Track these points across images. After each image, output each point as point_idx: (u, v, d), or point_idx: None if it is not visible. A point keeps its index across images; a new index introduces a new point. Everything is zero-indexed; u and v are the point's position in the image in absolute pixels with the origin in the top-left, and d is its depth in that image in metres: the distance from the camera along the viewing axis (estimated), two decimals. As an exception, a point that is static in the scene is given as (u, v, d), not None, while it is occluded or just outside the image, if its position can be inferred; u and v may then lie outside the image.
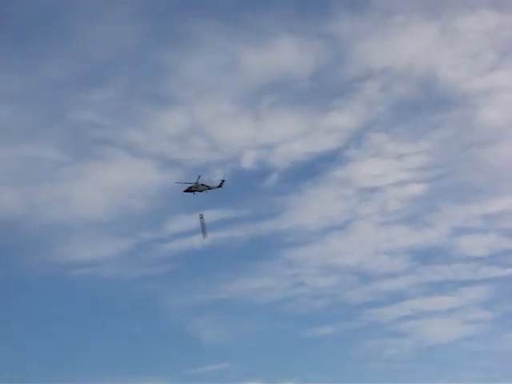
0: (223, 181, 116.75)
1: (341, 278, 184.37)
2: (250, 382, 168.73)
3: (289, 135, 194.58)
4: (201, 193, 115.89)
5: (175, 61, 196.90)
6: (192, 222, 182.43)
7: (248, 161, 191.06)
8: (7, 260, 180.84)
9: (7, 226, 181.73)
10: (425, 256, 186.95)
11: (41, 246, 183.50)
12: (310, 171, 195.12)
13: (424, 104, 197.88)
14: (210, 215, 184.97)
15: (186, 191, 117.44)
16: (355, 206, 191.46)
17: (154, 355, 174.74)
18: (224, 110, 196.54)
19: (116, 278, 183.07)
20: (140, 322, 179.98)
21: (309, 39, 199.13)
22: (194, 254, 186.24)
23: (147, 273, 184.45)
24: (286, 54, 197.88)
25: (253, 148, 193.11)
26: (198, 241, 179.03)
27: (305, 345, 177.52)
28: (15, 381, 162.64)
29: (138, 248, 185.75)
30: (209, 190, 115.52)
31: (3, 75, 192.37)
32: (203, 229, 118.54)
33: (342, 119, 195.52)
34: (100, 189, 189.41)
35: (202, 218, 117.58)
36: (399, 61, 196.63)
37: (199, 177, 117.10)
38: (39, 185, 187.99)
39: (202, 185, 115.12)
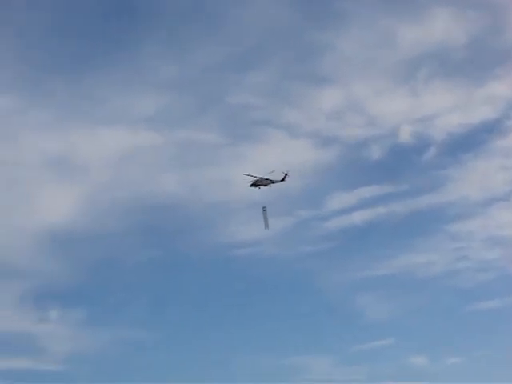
0: (286, 174, 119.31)
1: (506, 251, 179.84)
2: (415, 357, 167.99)
3: (445, 107, 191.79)
4: (265, 187, 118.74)
5: (329, 39, 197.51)
6: (351, 198, 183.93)
7: (405, 135, 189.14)
8: (172, 242, 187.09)
9: (170, 209, 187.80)
10: None
11: (203, 227, 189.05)
12: (469, 143, 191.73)
13: None
14: (369, 192, 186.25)
15: (252, 185, 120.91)
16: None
17: (318, 333, 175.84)
18: (380, 85, 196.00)
19: (277, 257, 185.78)
20: (302, 299, 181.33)
21: (463, 9, 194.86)
22: (354, 231, 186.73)
23: (308, 251, 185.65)
24: (441, 26, 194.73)
25: (409, 122, 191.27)
26: (357, 217, 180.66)
27: (469, 319, 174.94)
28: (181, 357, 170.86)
29: (297, 226, 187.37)
30: (272, 184, 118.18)
31: (160, 64, 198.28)
32: (265, 221, 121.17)
33: (501, 88, 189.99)
34: (258, 169, 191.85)
35: (264, 210, 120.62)
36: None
37: (271, 172, 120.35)
38: (200, 168, 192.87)
39: (266, 179, 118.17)
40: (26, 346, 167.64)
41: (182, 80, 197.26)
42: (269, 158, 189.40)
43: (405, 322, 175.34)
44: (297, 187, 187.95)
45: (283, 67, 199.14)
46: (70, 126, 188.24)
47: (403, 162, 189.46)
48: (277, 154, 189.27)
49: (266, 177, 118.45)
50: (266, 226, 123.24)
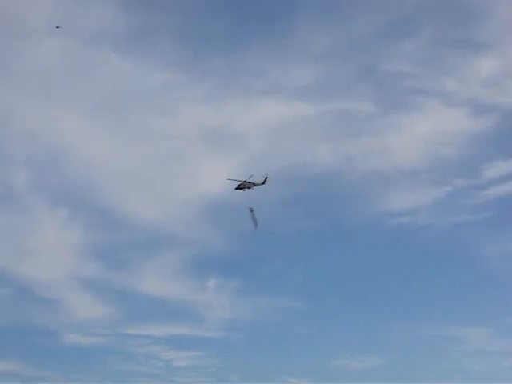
0: (266, 178, 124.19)
1: None
2: None
3: None
4: (249, 189, 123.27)
5: (486, 5, 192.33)
6: (509, 167, 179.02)
7: None
8: (327, 211, 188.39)
9: (325, 179, 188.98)
10: None
11: (358, 196, 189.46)
12: None
13: None
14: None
15: (237, 188, 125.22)
16: None
17: (475, 303, 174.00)
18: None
19: (433, 226, 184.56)
20: (458, 269, 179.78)
21: None
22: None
23: (464, 220, 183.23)
24: None
25: None
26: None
27: None
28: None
29: (453, 195, 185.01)
30: (254, 187, 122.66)
31: (314, 35, 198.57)
32: (254, 221, 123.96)
33: None
34: (414, 138, 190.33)
35: (252, 211, 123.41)
36: None
37: (250, 176, 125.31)
38: (355, 137, 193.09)
39: (249, 182, 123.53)
40: (185, 314, 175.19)
41: (337, 50, 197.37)
42: (424, 126, 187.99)
43: None
44: (453, 156, 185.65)
45: (438, 34, 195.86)
46: (227, 99, 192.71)
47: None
48: (432, 123, 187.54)
49: (248, 180, 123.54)
50: (256, 225, 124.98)
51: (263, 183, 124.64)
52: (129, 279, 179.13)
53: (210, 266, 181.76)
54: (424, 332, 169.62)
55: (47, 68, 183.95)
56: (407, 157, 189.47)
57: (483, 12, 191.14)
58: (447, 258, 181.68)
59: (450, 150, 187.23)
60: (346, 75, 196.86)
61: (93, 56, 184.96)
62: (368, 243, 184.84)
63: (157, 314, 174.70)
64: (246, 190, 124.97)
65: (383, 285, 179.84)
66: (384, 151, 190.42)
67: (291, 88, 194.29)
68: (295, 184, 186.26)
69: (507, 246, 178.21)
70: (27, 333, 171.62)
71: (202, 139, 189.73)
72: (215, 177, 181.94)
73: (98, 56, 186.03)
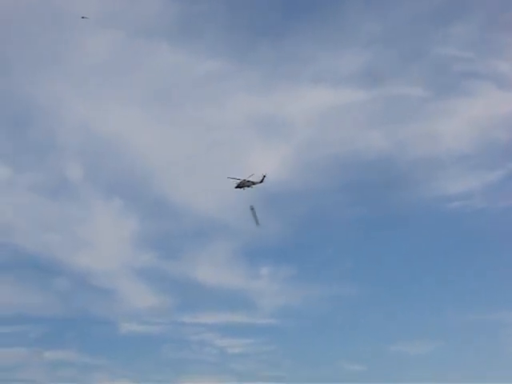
0: (264, 176, 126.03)
1: None
2: None
3: None
4: (248, 188, 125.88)
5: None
6: None
7: None
8: (379, 198, 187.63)
9: (376, 165, 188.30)
10: None
11: (410, 182, 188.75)
12: None
13: None
14: None
15: (237, 187, 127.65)
16: None
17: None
18: None
19: (487, 210, 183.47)
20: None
21: None
22: None
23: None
24: None
25: None
26: None
27: None
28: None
29: (507, 179, 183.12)
30: (253, 185, 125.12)
31: (363, 19, 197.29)
32: (255, 218, 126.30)
33: None
34: (466, 122, 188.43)
35: (252, 209, 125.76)
36: None
37: (250, 176, 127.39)
38: (406, 122, 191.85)
39: (248, 181, 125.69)
40: (239, 301, 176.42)
41: (386, 34, 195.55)
42: (476, 110, 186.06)
43: None
44: (506, 139, 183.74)
45: (489, 17, 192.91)
46: (276, 87, 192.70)
47: None
48: (484, 106, 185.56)
49: (247, 179, 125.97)
50: (257, 222, 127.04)
51: (261, 181, 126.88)
52: (182, 268, 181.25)
53: (262, 254, 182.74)
54: (481, 317, 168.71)
55: (98, 60, 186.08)
56: (459, 141, 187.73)
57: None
58: (502, 242, 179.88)
59: (503, 133, 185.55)
60: (396, 60, 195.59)
61: (143, 47, 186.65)
62: (421, 228, 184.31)
63: (210, 302, 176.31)
64: (246, 188, 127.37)
65: (437, 269, 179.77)
66: (436, 136, 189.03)
67: (340, 74, 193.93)
68: (346, 171, 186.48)
69: None
70: (84, 322, 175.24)
71: (252, 128, 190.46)
72: (265, 165, 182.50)
73: (148, 47, 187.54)
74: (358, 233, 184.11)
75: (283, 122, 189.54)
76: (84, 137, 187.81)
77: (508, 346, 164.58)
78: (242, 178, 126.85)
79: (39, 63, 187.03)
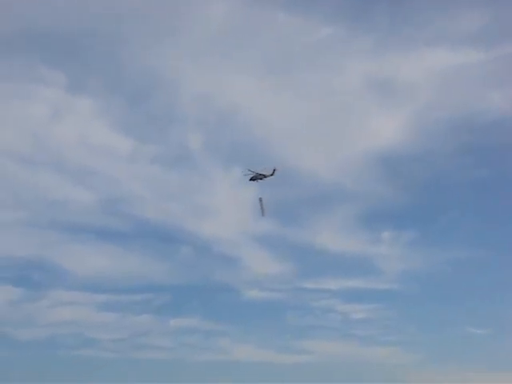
0: (274, 170, 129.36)
1: None
2: None
3: None
4: (261, 180, 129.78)
5: None
6: None
7: None
8: (500, 160, 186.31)
9: (498, 127, 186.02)
10: None
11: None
12: None
13: None
14: None
15: (251, 180, 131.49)
16: None
17: None
18: None
19: None
20: None
21: None
22: None
23: None
24: None
25: None
26: None
27: None
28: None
29: None
30: (265, 178, 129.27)
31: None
32: (262, 209, 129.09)
33: None
34: None
35: (261, 201, 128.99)
36: None
37: (263, 169, 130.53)
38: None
39: (261, 174, 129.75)
40: (361, 267, 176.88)
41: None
42: None
43: None
44: None
45: None
46: (393, 51, 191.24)
47: None
48: None
49: (260, 172, 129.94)
50: (263, 213, 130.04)
51: (272, 174, 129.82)
52: (303, 235, 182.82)
53: (383, 219, 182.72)
54: None
55: (215, 30, 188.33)
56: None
57: None
58: None
59: None
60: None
61: (260, 16, 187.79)
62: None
63: (332, 268, 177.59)
64: (258, 180, 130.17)
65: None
66: None
67: (458, 35, 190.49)
68: (467, 133, 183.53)
69: None
70: (207, 289, 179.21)
71: (369, 92, 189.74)
72: (385, 129, 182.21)
73: (264, 15, 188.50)
74: (480, 195, 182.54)
75: (402, 85, 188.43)
76: (203, 107, 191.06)
77: None
78: (256, 172, 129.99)
79: (157, 36, 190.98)
